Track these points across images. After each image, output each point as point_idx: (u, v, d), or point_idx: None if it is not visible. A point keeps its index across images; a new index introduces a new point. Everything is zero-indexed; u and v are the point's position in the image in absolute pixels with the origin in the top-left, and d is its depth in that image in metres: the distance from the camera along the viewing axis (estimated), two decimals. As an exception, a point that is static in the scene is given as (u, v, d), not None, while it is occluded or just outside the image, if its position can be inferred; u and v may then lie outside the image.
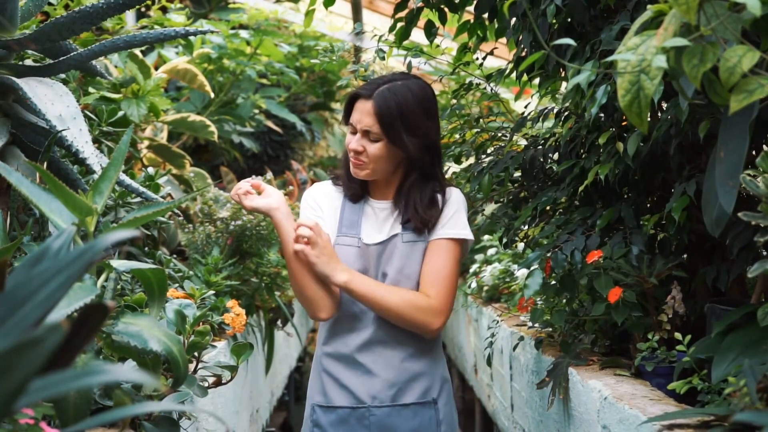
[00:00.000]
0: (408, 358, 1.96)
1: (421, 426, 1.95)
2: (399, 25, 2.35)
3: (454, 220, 1.97)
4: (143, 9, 4.39)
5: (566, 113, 2.18)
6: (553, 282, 1.97)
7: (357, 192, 2.01)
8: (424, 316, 1.90)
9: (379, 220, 2.00)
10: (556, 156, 2.26)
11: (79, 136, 1.63)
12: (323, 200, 2.04)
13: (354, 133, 1.93)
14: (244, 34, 4.69)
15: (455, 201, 1.99)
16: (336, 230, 1.99)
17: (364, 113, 1.89)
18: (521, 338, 2.57)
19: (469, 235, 1.98)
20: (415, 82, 1.93)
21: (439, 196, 1.98)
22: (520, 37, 2.03)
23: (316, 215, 2.00)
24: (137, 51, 3.00)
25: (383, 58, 2.42)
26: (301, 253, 1.86)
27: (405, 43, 2.40)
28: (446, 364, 2.09)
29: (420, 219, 1.94)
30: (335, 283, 1.89)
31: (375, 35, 2.43)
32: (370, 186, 2.02)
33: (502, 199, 2.48)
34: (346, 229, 1.98)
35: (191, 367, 1.59)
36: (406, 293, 1.91)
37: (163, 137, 3.54)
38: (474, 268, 3.91)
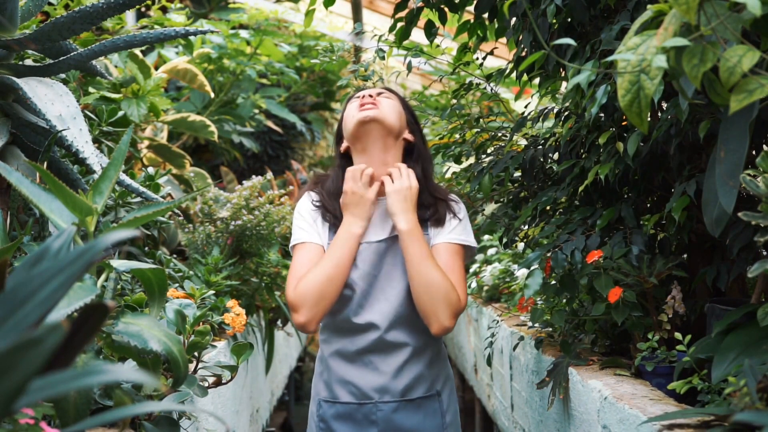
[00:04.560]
0: (414, 356, 1.97)
1: (426, 418, 1.97)
2: (399, 25, 2.35)
3: (462, 226, 2.01)
4: (143, 9, 4.39)
5: (566, 113, 2.17)
6: (553, 282, 1.97)
7: (335, 214, 2.00)
8: (448, 308, 1.87)
9: (381, 216, 2.00)
10: (556, 156, 2.25)
11: (79, 136, 1.63)
12: (316, 214, 2.03)
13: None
14: (244, 34, 4.69)
15: (463, 210, 2.05)
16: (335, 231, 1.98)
17: (372, 90, 2.03)
18: (521, 338, 2.57)
19: (474, 243, 2.02)
20: None
21: (446, 203, 2.03)
22: (520, 37, 2.03)
23: (311, 227, 1.99)
24: (137, 51, 3.00)
25: (383, 58, 2.42)
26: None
27: (405, 43, 2.40)
28: (449, 361, 2.11)
29: (424, 215, 1.99)
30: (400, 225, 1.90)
31: (375, 35, 2.42)
32: None
33: (502, 199, 2.47)
34: None
35: (191, 367, 1.59)
36: (444, 276, 1.88)
37: (163, 137, 3.54)
38: (474, 268, 3.91)
